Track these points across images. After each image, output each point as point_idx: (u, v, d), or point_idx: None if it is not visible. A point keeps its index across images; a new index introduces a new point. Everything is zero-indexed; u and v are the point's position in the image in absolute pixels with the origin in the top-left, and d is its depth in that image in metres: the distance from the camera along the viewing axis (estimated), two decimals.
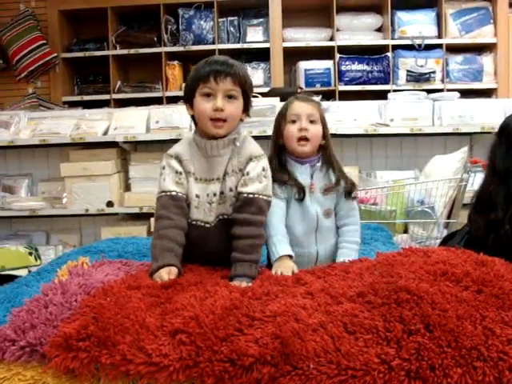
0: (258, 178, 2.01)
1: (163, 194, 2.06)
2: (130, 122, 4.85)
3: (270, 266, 2.16)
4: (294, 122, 2.20)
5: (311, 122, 2.19)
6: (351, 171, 4.72)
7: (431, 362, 1.31)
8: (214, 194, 2.05)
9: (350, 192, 2.24)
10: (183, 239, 2.00)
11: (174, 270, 1.89)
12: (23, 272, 3.66)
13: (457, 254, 1.95)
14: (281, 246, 2.08)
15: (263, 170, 2.03)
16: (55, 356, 1.38)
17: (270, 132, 4.45)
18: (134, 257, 2.99)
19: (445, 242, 2.66)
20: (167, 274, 1.85)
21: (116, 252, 3.08)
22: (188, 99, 2.09)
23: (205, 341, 1.35)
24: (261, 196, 1.99)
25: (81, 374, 1.36)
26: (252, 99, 2.14)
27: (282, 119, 2.25)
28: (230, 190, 2.05)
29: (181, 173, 2.05)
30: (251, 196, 1.99)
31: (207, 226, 2.07)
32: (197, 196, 2.05)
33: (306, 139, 2.18)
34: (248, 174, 2.01)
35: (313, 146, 2.20)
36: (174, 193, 2.03)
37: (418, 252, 2.01)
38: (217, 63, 2.00)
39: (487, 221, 2.21)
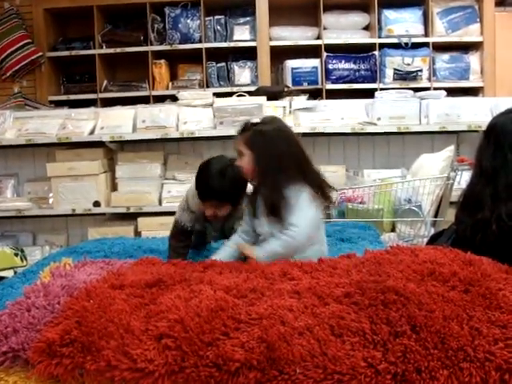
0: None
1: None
2: (117, 122, 4.82)
3: None
4: None
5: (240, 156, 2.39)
6: (338, 170, 4.73)
7: (417, 364, 1.29)
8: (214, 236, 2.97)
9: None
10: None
11: None
12: (9, 273, 3.63)
13: (444, 253, 1.94)
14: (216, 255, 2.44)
15: None
16: (38, 362, 1.36)
17: None
18: (120, 257, 2.96)
19: (432, 240, 2.65)
20: None
21: (102, 252, 3.07)
22: None
23: (190, 345, 1.33)
24: None
25: (65, 380, 1.34)
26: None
27: None
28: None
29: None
30: None
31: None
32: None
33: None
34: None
35: (249, 176, 2.41)
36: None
37: (406, 250, 2.01)
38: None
39: (474, 221, 2.21)
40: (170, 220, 4.64)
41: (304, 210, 2.26)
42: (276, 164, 2.29)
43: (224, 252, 2.44)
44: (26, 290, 1.72)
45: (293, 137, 2.43)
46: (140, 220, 4.75)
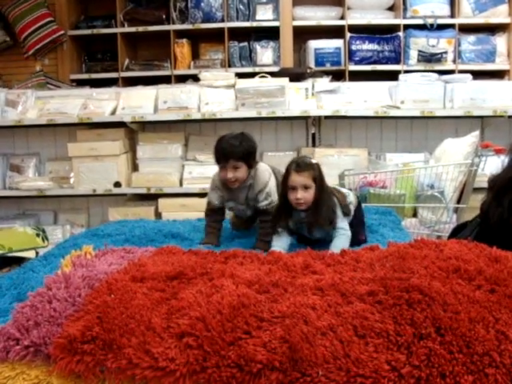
0: (264, 200, 2.97)
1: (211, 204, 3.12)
2: (138, 102, 4.81)
3: None
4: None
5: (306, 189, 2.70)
6: (360, 153, 4.69)
7: (441, 368, 1.27)
8: (239, 209, 3.13)
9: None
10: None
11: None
12: (31, 254, 3.65)
13: (469, 248, 1.91)
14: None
15: (266, 193, 2.97)
16: (60, 358, 1.35)
17: (279, 113, 4.46)
18: (140, 241, 2.98)
19: (455, 233, 2.62)
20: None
21: (123, 236, 3.07)
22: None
23: (212, 345, 1.32)
24: (267, 207, 2.97)
25: (86, 376, 1.34)
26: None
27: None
28: (254, 205, 3.05)
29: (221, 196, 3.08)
30: (262, 208, 2.99)
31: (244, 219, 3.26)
32: (230, 208, 3.15)
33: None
34: (258, 199, 2.97)
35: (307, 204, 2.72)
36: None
37: (430, 244, 1.98)
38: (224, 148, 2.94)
39: None
40: (191, 201, 4.69)
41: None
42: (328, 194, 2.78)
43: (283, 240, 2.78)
44: (47, 281, 1.72)
45: None
46: (161, 201, 4.76)
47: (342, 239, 2.70)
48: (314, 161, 2.80)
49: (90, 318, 1.44)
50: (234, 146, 2.91)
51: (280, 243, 2.73)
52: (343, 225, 2.76)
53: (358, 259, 1.88)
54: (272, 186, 3.03)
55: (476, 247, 1.90)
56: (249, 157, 2.95)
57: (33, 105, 4.99)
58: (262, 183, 2.99)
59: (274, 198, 3.01)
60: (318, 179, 2.69)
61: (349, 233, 2.74)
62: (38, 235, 3.80)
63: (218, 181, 3.05)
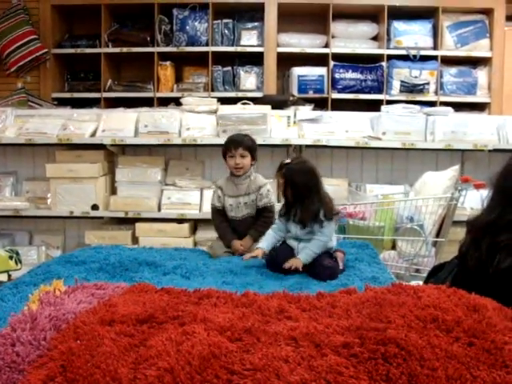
0: (265, 197, 3.57)
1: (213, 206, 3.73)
2: (119, 125, 4.78)
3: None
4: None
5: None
6: (340, 184, 4.68)
7: None
8: (240, 203, 3.61)
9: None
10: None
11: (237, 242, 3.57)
12: (3, 277, 3.59)
13: (448, 294, 1.87)
14: (262, 243, 3.19)
15: (267, 191, 3.59)
16: None
17: (260, 141, 4.44)
18: (115, 270, 2.93)
19: (432, 274, 2.59)
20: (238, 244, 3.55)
21: (98, 264, 3.01)
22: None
23: None
24: (267, 205, 3.59)
25: None
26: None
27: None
28: (252, 201, 3.62)
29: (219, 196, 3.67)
30: (264, 206, 3.58)
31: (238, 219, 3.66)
32: (230, 205, 3.62)
33: None
34: (261, 194, 3.56)
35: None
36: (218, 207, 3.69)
37: (408, 290, 1.94)
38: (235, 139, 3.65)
39: (496, 242, 2.14)
40: (169, 227, 4.65)
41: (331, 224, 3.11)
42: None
43: (269, 238, 3.18)
44: (12, 320, 1.66)
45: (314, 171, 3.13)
46: (138, 225, 4.71)
47: (316, 244, 3.00)
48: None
49: (53, 365, 1.37)
50: (243, 137, 3.62)
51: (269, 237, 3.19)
52: (325, 231, 3.03)
53: (334, 304, 1.84)
54: (271, 189, 3.65)
55: (455, 294, 1.86)
56: (253, 150, 3.58)
57: (12, 123, 4.95)
58: (263, 181, 3.62)
59: (272, 199, 3.62)
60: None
61: (325, 239, 3.03)
62: (11, 258, 3.73)
63: (221, 180, 3.70)
